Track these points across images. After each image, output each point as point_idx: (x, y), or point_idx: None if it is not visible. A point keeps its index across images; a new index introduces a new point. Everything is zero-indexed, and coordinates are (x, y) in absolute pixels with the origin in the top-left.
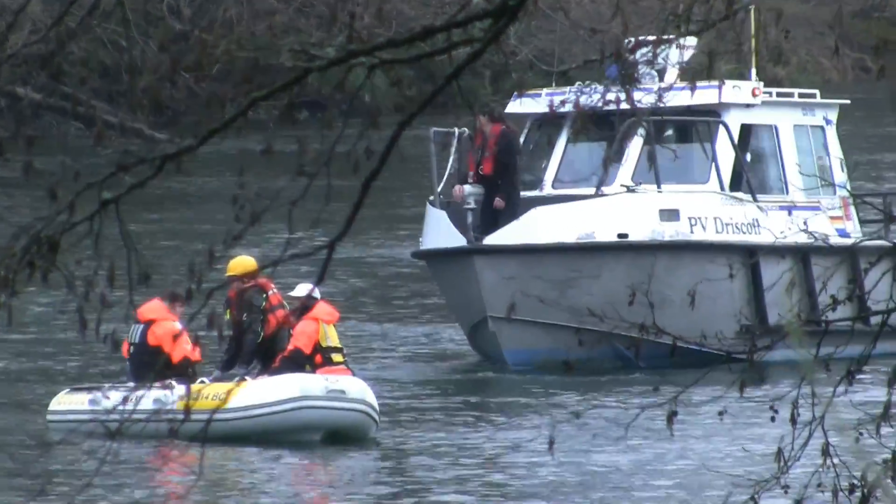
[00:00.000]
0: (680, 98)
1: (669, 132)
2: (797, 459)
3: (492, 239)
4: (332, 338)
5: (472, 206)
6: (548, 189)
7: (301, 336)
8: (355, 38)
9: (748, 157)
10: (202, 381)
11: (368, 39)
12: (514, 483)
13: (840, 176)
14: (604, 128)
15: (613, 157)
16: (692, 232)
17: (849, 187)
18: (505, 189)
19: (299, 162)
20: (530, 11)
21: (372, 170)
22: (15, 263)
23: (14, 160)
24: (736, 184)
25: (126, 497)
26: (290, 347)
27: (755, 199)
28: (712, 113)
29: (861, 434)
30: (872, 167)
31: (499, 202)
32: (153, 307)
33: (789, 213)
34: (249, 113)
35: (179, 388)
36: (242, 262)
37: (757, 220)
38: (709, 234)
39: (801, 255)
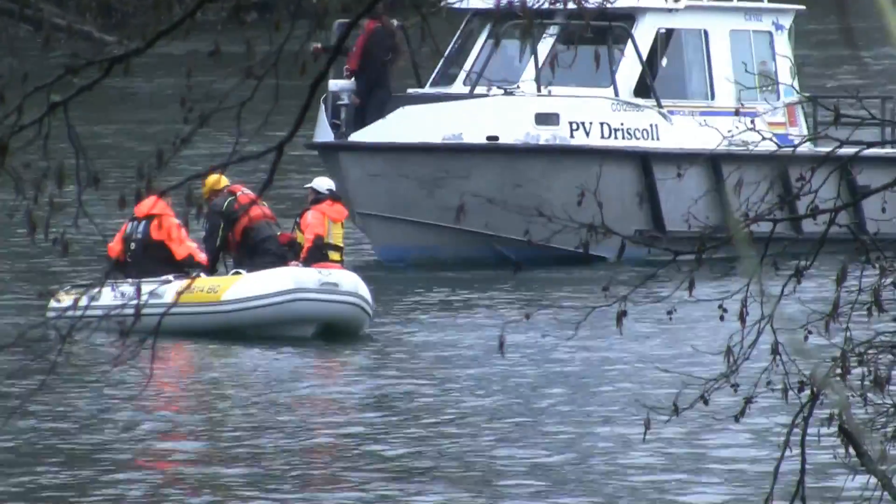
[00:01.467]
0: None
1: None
2: (746, 358)
3: (358, 136)
4: (334, 235)
5: (345, 101)
6: (457, 86)
7: (314, 226)
8: None
9: (664, 62)
10: (196, 275)
11: None
12: (465, 382)
13: (787, 81)
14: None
15: (523, 56)
16: (572, 136)
17: (798, 92)
18: (367, 86)
19: (247, 63)
20: None
21: (319, 71)
22: None
23: None
24: (644, 90)
25: (78, 399)
26: (308, 237)
27: (659, 105)
28: (628, 17)
29: (810, 332)
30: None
31: (354, 99)
32: (153, 203)
33: (707, 119)
34: (197, 15)
35: (178, 284)
36: (209, 182)
37: (656, 126)
38: (592, 140)
39: (712, 162)
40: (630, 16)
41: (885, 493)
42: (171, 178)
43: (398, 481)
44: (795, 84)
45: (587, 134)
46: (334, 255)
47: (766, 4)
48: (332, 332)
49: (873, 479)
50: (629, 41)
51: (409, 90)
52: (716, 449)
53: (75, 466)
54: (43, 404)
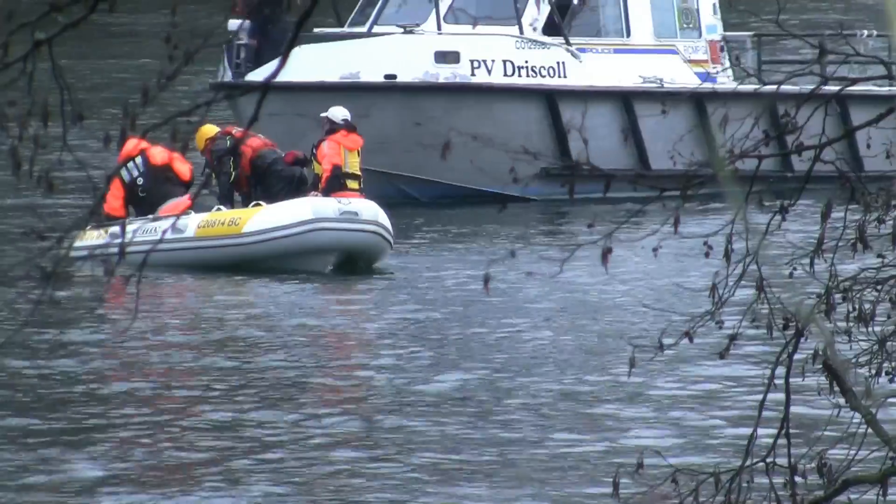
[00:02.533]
0: None
1: None
2: (731, 295)
3: (255, 75)
4: (351, 164)
5: (244, 41)
6: (367, 26)
7: (331, 155)
8: None
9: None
10: (218, 209)
11: None
12: (451, 318)
13: (710, 20)
14: None
15: None
16: (473, 74)
17: (720, 31)
18: (261, 26)
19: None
20: None
21: (304, 9)
22: None
23: None
24: (555, 28)
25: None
26: (326, 167)
27: (568, 43)
28: None
29: (795, 268)
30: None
31: (251, 41)
32: (134, 142)
33: (619, 56)
34: None
35: (196, 217)
36: (202, 132)
37: (563, 63)
38: (494, 78)
39: (622, 98)
40: None
41: (870, 429)
42: (157, 116)
43: (396, 414)
44: (718, 22)
45: (489, 72)
46: (352, 184)
47: None
48: (352, 260)
49: (858, 416)
50: None
51: (316, 29)
52: (701, 384)
53: (70, 409)
54: (38, 340)
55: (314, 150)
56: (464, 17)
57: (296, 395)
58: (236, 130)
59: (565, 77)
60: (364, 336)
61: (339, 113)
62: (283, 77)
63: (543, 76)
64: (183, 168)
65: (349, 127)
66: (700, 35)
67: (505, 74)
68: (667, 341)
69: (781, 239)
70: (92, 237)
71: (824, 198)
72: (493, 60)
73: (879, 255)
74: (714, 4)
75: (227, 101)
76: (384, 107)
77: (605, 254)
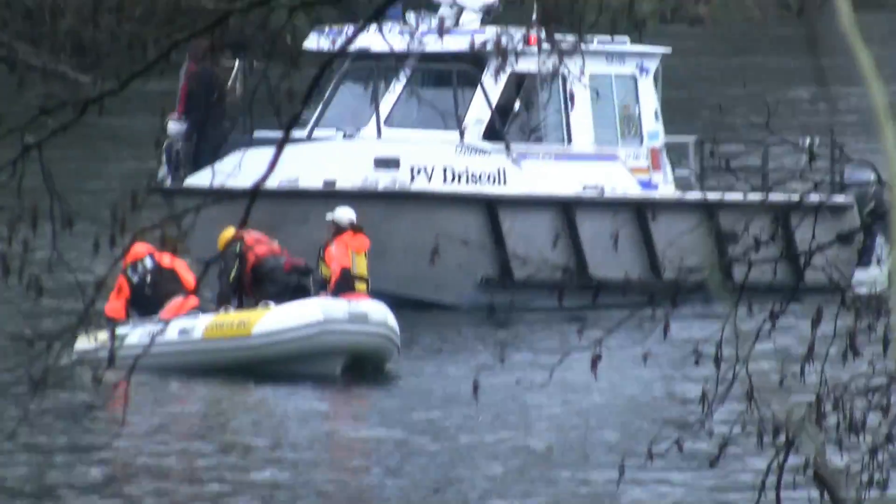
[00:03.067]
0: (455, 42)
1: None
2: (721, 403)
3: (193, 180)
4: (359, 266)
5: (179, 144)
6: (307, 130)
7: (340, 258)
8: None
9: (517, 105)
10: (226, 310)
11: None
12: (441, 424)
13: (651, 126)
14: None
15: (372, 100)
16: (413, 181)
17: (662, 138)
18: (195, 128)
19: (222, 105)
20: None
21: (293, 112)
22: None
23: None
24: (496, 134)
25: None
26: (335, 269)
27: (508, 149)
28: (478, 59)
29: (785, 377)
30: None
31: (186, 143)
32: (144, 245)
33: (559, 163)
34: (171, 55)
35: (204, 318)
36: (223, 235)
37: (503, 170)
38: (434, 185)
39: (563, 207)
40: (480, 58)
41: None
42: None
43: None
44: (660, 129)
45: (429, 179)
46: (360, 286)
47: (628, 48)
48: (361, 362)
49: None
50: (478, 85)
51: (257, 133)
52: (692, 492)
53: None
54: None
55: (322, 253)
56: (404, 122)
57: (297, 500)
58: (248, 234)
59: (505, 184)
60: (368, 442)
61: (344, 215)
62: (221, 182)
63: (484, 183)
64: (188, 277)
65: (355, 228)
66: (641, 142)
67: (445, 181)
68: (657, 450)
69: (771, 346)
70: (90, 341)
71: (814, 305)
72: (433, 167)
73: (870, 363)
74: (656, 111)
75: (165, 203)
76: (322, 213)
77: (595, 360)
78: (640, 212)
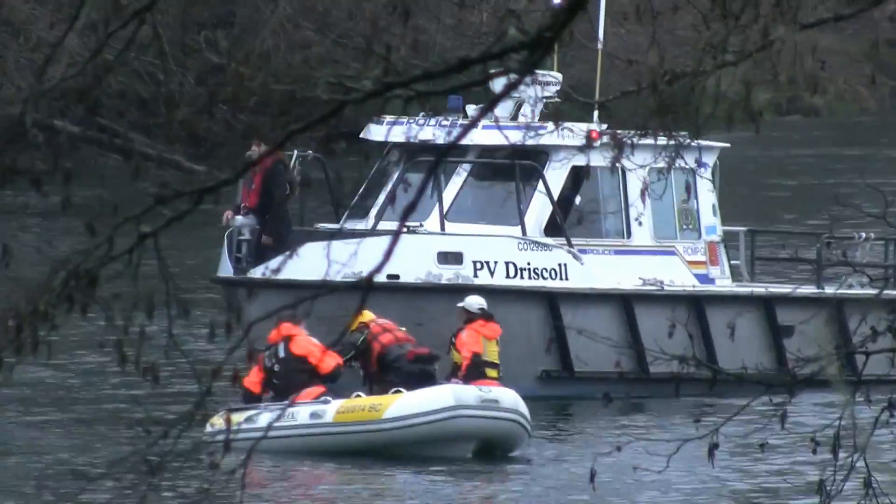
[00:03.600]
0: (514, 136)
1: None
2: (839, 492)
3: (257, 272)
4: (489, 353)
5: (247, 236)
6: (371, 222)
7: (471, 344)
8: (392, 71)
9: (578, 199)
10: (357, 395)
11: (405, 71)
12: None
13: (709, 220)
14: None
15: (432, 193)
16: (475, 276)
17: (720, 232)
18: (272, 223)
19: (336, 194)
20: (566, 42)
21: (409, 202)
22: (54, 298)
23: (52, 194)
24: (557, 229)
25: None
26: (466, 356)
27: (569, 244)
28: (540, 153)
29: None
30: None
31: (266, 240)
32: (286, 326)
33: (619, 257)
34: (287, 145)
35: (336, 402)
36: (362, 318)
37: (565, 265)
38: (497, 279)
39: (623, 301)
40: (543, 152)
41: None
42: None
43: None
44: (718, 223)
45: (491, 273)
46: (491, 373)
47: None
48: (491, 448)
49: None
50: (540, 179)
51: (318, 225)
52: None
53: None
54: None
55: (453, 340)
56: (465, 216)
57: None
58: (375, 323)
59: (567, 279)
60: None
61: (475, 302)
62: (286, 275)
63: (545, 278)
64: (328, 362)
65: (486, 315)
66: (699, 236)
67: (507, 276)
68: None
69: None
70: (222, 423)
71: None
72: (495, 262)
73: None
74: (714, 205)
75: (226, 296)
76: (386, 307)
77: (712, 449)
78: (698, 304)
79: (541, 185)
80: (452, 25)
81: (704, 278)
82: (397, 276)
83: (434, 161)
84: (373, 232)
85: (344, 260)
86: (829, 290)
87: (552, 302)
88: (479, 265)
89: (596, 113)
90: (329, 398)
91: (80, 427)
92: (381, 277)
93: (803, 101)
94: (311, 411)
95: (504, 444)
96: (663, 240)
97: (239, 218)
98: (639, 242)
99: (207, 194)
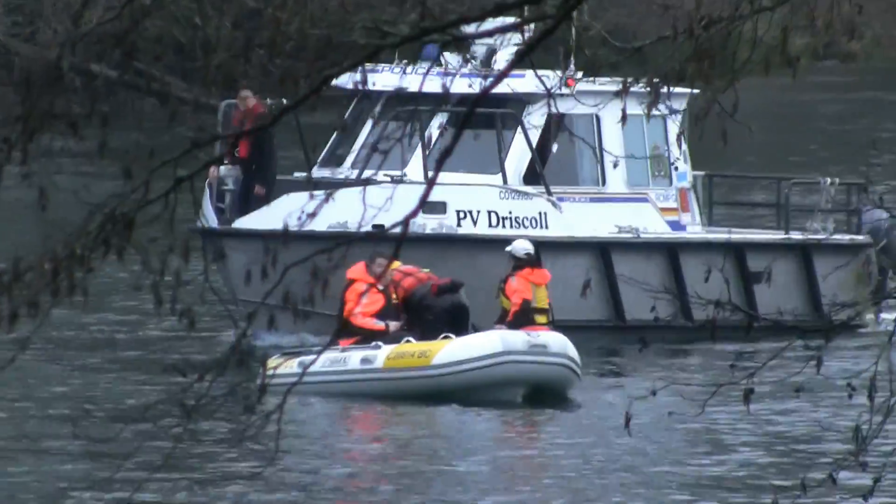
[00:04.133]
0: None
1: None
2: (875, 437)
3: (243, 223)
4: (539, 299)
5: (230, 186)
6: (345, 169)
7: (521, 291)
8: (428, 15)
9: (555, 147)
10: (407, 340)
11: (441, 16)
12: (594, 460)
13: (680, 167)
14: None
15: (410, 142)
16: (459, 225)
17: (690, 178)
18: (261, 173)
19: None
20: None
21: (445, 147)
22: (90, 241)
23: (89, 138)
24: (535, 177)
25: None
26: (516, 302)
27: (549, 192)
28: (517, 102)
29: None
30: None
31: (259, 190)
32: (356, 268)
33: (596, 205)
34: (322, 89)
35: (386, 348)
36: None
37: (545, 214)
38: (480, 228)
39: (600, 249)
40: (520, 101)
41: None
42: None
43: None
44: (688, 169)
45: (475, 223)
46: (540, 318)
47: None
48: (541, 391)
49: None
50: (518, 127)
51: (296, 173)
52: None
53: None
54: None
55: (502, 285)
56: (446, 165)
57: None
58: (396, 271)
59: (547, 227)
60: (546, 468)
61: (521, 247)
62: (270, 225)
63: (527, 227)
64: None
65: (533, 262)
66: (671, 183)
67: (490, 225)
68: (809, 482)
69: None
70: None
71: None
72: (478, 211)
73: None
74: (685, 152)
75: (208, 246)
76: (367, 257)
77: (747, 395)
78: (672, 253)
79: (520, 132)
80: None
81: (676, 225)
82: (382, 226)
83: (422, 110)
84: (357, 181)
85: (325, 210)
86: (796, 235)
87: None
88: (462, 214)
89: (572, 59)
90: (380, 343)
91: (117, 370)
92: (365, 227)
93: (840, 46)
94: (362, 357)
95: (553, 388)
96: (636, 187)
97: (222, 168)
98: (613, 190)
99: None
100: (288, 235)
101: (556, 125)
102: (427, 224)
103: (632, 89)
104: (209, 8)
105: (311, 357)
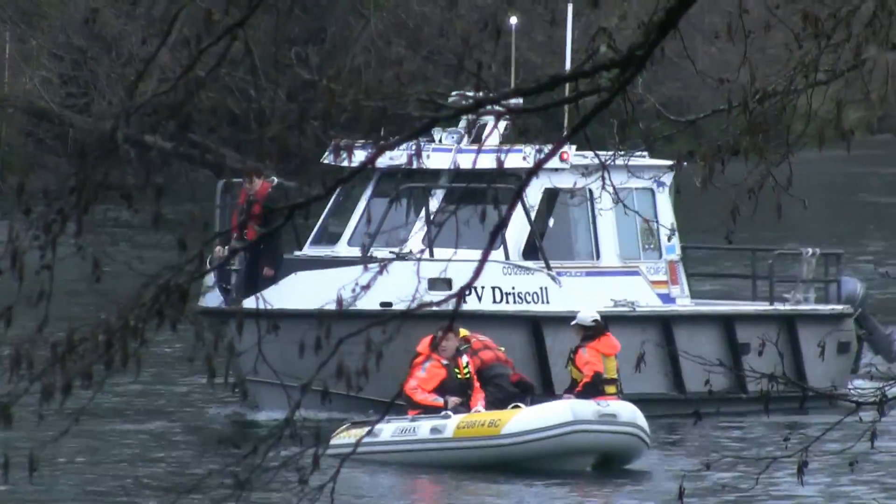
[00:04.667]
0: (486, 161)
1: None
2: None
3: (250, 302)
4: (608, 370)
5: (236, 266)
6: (342, 247)
7: (593, 363)
8: (482, 87)
9: (551, 222)
10: (477, 410)
11: (496, 88)
12: None
13: (669, 239)
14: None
15: (408, 219)
16: (465, 301)
17: (678, 251)
18: (269, 253)
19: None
20: (657, 60)
21: (500, 218)
22: (144, 312)
23: (143, 209)
24: (533, 251)
25: None
26: (588, 374)
27: (548, 267)
28: (515, 177)
29: None
30: None
31: (268, 271)
32: (422, 342)
33: (594, 279)
34: (377, 161)
35: (456, 417)
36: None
37: (546, 289)
38: (485, 304)
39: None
40: (518, 176)
41: None
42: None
43: None
44: (677, 242)
45: (479, 298)
46: (610, 389)
47: (647, 161)
48: (609, 460)
49: None
50: (517, 202)
51: (296, 252)
52: None
53: None
54: None
55: (572, 356)
56: (445, 241)
57: None
58: (476, 339)
59: (548, 302)
60: None
61: (587, 316)
62: (279, 304)
63: (529, 302)
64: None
65: (600, 329)
66: (661, 256)
67: (494, 301)
68: None
69: None
70: (348, 435)
71: None
72: (482, 287)
73: None
74: (672, 224)
75: (212, 326)
76: (378, 335)
77: (800, 468)
78: (666, 326)
79: (519, 207)
80: (543, 42)
81: (667, 298)
82: (390, 304)
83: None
84: (364, 259)
85: (331, 289)
86: (780, 306)
87: (535, 325)
88: (466, 290)
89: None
90: (449, 413)
91: (170, 441)
92: (373, 305)
93: (895, 119)
94: (431, 426)
95: (623, 456)
96: (628, 260)
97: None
98: (607, 263)
99: (298, 210)
100: (339, 310)
101: (550, 199)
102: (434, 300)
103: (619, 161)
104: (263, 80)
105: (379, 426)
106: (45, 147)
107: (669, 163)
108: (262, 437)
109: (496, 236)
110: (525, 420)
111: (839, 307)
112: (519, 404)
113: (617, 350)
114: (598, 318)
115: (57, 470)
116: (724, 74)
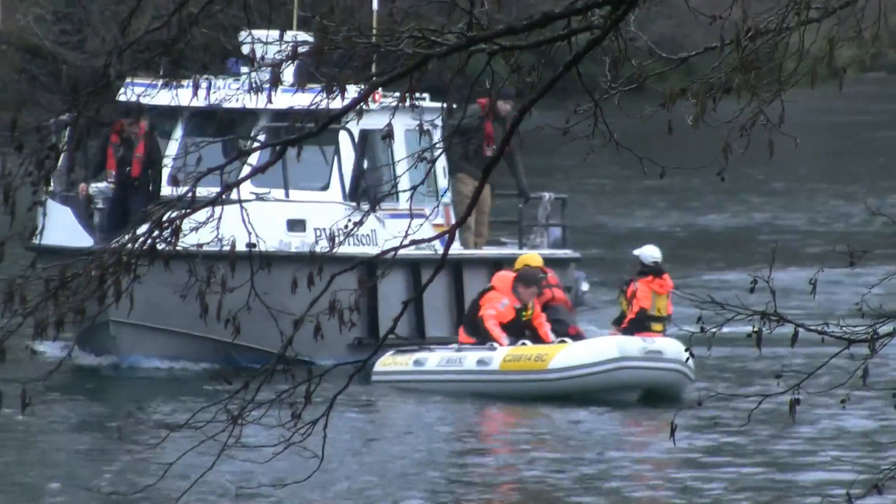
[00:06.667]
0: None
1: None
2: None
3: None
4: (658, 308)
5: (101, 205)
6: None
7: (641, 299)
8: (475, 25)
9: (366, 163)
10: (523, 343)
11: (488, 26)
12: (638, 466)
13: (442, 182)
14: (220, 124)
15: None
16: (317, 243)
17: (450, 194)
18: (144, 194)
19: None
20: None
21: (492, 156)
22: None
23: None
24: (353, 192)
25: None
26: (635, 309)
27: (373, 209)
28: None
29: None
30: None
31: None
32: (501, 276)
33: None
34: (368, 99)
35: (502, 350)
36: (525, 259)
37: (374, 231)
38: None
39: (412, 268)
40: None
41: None
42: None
43: None
44: (447, 184)
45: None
46: (656, 326)
47: (427, 103)
48: (656, 394)
49: None
50: (349, 143)
51: (164, 194)
52: None
53: None
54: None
55: (624, 288)
56: (294, 183)
57: None
58: (550, 274)
59: (377, 244)
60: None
61: (649, 254)
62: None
63: (364, 244)
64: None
65: (658, 271)
66: (437, 199)
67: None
68: (855, 493)
69: None
70: (394, 363)
71: None
72: (329, 228)
73: None
74: (444, 168)
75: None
76: (240, 277)
77: (793, 405)
78: (458, 269)
79: (349, 146)
80: None
81: (444, 242)
82: (254, 245)
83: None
84: (224, 201)
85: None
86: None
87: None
88: (318, 232)
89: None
90: (495, 345)
91: (162, 377)
92: (238, 246)
93: (887, 57)
94: (478, 358)
95: (668, 391)
96: (418, 203)
97: (95, 185)
98: (405, 205)
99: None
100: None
101: (364, 141)
102: (292, 242)
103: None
104: (257, 17)
105: (424, 355)
106: (38, 84)
107: (438, 104)
108: (255, 373)
109: (489, 171)
110: (572, 355)
111: (560, 252)
112: (565, 339)
113: (669, 289)
114: (659, 259)
115: (50, 404)
116: (717, 12)
